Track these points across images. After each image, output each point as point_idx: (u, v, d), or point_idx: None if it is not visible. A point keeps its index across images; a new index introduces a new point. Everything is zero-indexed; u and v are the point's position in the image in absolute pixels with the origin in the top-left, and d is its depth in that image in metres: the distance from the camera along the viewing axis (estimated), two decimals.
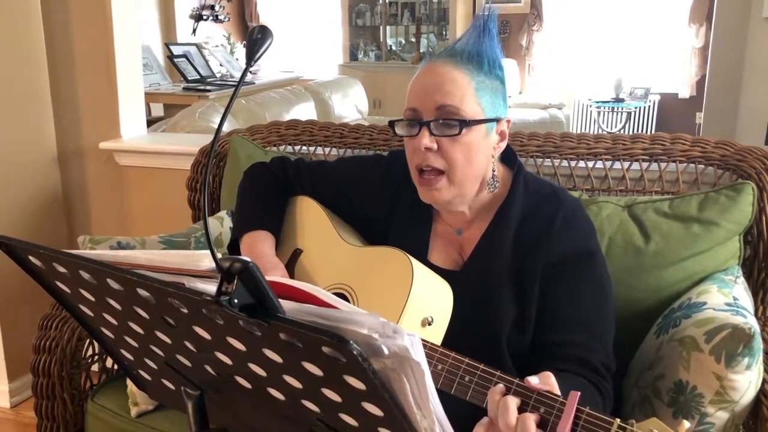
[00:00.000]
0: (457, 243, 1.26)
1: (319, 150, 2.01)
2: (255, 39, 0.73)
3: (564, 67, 7.05)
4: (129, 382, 1.52)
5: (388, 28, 7.25)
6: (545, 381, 0.89)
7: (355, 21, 7.29)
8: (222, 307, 0.59)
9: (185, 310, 0.69)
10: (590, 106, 6.89)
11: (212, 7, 7.42)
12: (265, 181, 1.43)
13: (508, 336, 1.15)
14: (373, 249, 1.22)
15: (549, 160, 1.78)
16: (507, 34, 7.05)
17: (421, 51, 7.02)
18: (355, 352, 0.54)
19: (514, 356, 1.15)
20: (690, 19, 6.49)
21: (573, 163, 1.78)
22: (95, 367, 1.61)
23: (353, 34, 7.35)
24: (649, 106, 6.84)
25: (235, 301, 0.59)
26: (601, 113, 6.92)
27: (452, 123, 1.12)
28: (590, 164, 1.76)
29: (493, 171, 1.21)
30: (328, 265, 1.27)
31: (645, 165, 1.73)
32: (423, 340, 1.03)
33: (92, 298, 0.83)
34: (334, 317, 0.60)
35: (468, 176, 1.16)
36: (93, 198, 2.45)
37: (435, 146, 1.13)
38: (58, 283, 0.85)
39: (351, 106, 5.35)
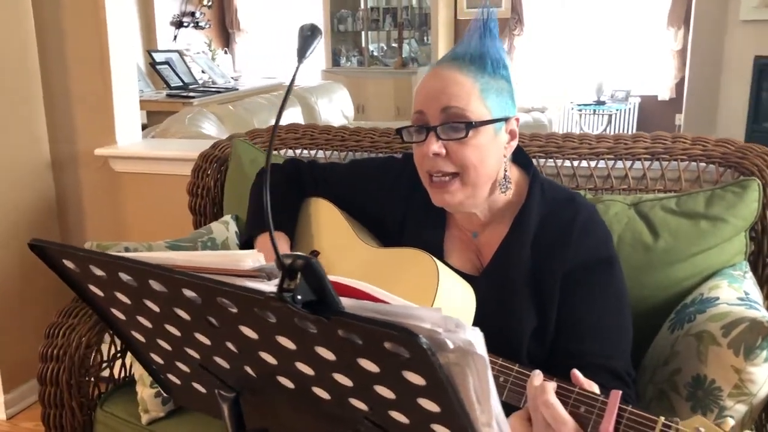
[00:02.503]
0: (474, 246, 1.26)
1: (321, 153, 2.01)
2: (306, 36, 0.72)
3: (545, 71, 7.11)
4: (139, 389, 1.50)
5: (369, 33, 7.26)
6: (588, 383, 0.89)
7: (337, 27, 7.30)
8: (285, 303, 0.58)
9: (234, 310, 0.68)
10: (572, 109, 6.95)
11: (193, 14, 7.39)
12: (279, 182, 1.43)
13: (528, 343, 1.15)
14: (395, 250, 1.21)
15: (551, 160, 1.79)
16: None
17: (403, 56, 7.05)
18: (424, 346, 0.54)
19: (533, 363, 1.15)
20: (668, 22, 6.59)
21: (576, 163, 1.79)
22: (105, 372, 1.59)
23: (335, 39, 7.35)
24: (630, 109, 6.93)
25: (299, 297, 0.58)
26: (583, 116, 6.98)
27: (458, 126, 1.12)
28: (593, 164, 1.78)
29: (505, 171, 1.21)
30: (347, 266, 1.27)
31: (647, 164, 1.75)
32: None
33: (128, 301, 0.82)
34: (394, 312, 0.60)
35: (480, 177, 1.16)
36: (88, 205, 2.42)
37: (443, 151, 1.13)
38: (92, 287, 0.84)
39: (337, 111, 5.35)
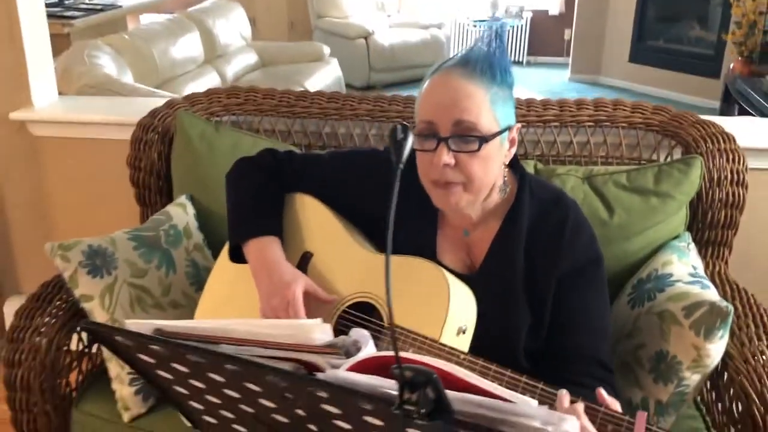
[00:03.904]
0: (464, 244, 1.30)
1: (266, 121, 1.96)
2: (400, 140, 0.72)
3: None
4: (116, 386, 1.48)
5: None
6: (612, 401, 0.97)
7: None
8: (409, 417, 0.61)
9: (333, 409, 0.68)
10: (468, 25, 6.99)
11: None
12: (259, 179, 1.38)
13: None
14: (398, 258, 1.22)
15: None
16: None
17: None
18: None
19: (528, 358, 1.24)
20: None
21: (523, 130, 1.85)
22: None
23: None
24: (523, 25, 7.05)
25: (423, 411, 0.61)
26: (479, 32, 7.05)
27: (471, 139, 1.14)
28: (539, 131, 1.85)
29: (504, 177, 1.25)
30: (345, 270, 1.27)
31: (590, 131, 1.84)
32: (472, 358, 1.09)
33: (185, 369, 0.81)
34: (503, 409, 0.64)
35: (484, 186, 1.19)
36: (4, 174, 2.25)
37: (453, 162, 1.15)
38: (142, 356, 0.82)
39: (235, 33, 5.12)
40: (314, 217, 1.36)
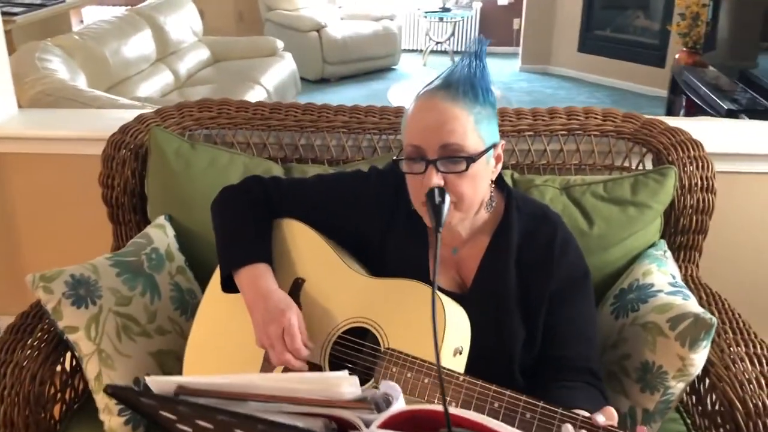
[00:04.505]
0: (453, 263, 1.32)
1: (240, 134, 1.93)
2: (439, 203, 0.72)
3: None
4: (105, 418, 1.46)
5: None
6: (610, 416, 1.00)
7: None
8: None
9: None
10: (420, 16, 6.99)
11: None
12: (246, 206, 1.36)
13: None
14: (390, 281, 1.23)
15: None
16: None
17: None
18: None
19: (523, 372, 1.27)
20: None
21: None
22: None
23: None
24: (473, 15, 7.09)
25: None
26: (431, 24, 7.06)
27: (458, 160, 1.16)
28: (513, 140, 1.87)
29: (491, 193, 1.27)
30: (339, 296, 1.27)
31: (564, 139, 1.88)
32: (472, 379, 1.10)
33: (212, 428, 0.80)
34: None
35: (474, 204, 1.21)
36: None
37: (442, 182, 1.16)
38: (165, 413, 0.81)
39: (186, 28, 5.01)
40: (304, 242, 1.36)
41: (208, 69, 5.10)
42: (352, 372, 1.21)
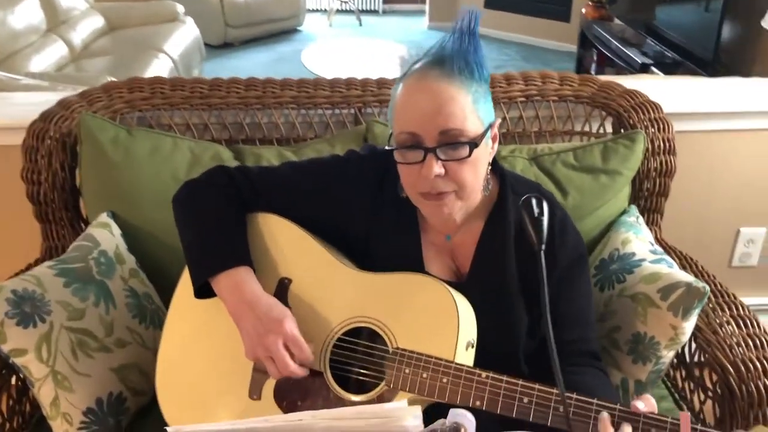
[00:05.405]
0: (448, 250, 1.24)
1: (178, 114, 1.76)
2: (537, 215, 0.62)
3: None
4: None
5: None
6: (649, 404, 0.96)
7: None
8: None
9: None
10: None
11: None
12: (215, 202, 1.22)
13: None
14: (391, 276, 1.14)
15: None
16: None
17: None
18: None
19: (527, 358, 1.21)
20: None
21: None
22: None
23: None
24: None
25: None
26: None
27: (460, 146, 1.07)
28: None
29: (488, 174, 1.19)
30: (333, 295, 1.16)
31: (522, 106, 1.83)
32: (495, 375, 1.04)
33: None
34: None
35: (476, 190, 1.14)
36: None
37: (443, 171, 1.07)
38: None
39: None
40: (284, 237, 1.23)
41: (105, 38, 4.73)
42: (359, 376, 1.12)
